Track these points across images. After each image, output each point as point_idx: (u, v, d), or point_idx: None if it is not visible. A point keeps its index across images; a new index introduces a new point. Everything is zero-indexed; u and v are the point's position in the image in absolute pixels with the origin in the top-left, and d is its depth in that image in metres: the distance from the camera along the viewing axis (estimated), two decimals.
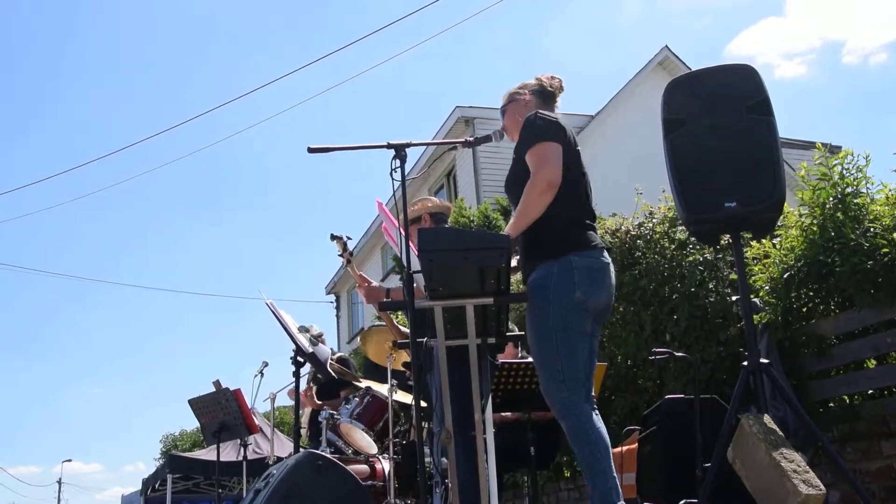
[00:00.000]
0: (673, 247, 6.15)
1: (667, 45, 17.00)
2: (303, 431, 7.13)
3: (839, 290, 4.61)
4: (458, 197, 16.13)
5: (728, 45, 38.65)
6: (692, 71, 3.75)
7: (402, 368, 5.04)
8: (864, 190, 4.56)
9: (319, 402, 6.50)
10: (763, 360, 3.30)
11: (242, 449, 7.11)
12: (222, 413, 6.57)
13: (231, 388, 6.53)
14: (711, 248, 5.67)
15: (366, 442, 5.20)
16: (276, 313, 4.50)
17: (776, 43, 38.39)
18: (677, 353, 4.59)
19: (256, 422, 7.24)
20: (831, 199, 4.60)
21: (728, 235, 3.52)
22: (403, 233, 2.95)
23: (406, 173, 3.00)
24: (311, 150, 2.90)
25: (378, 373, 5.99)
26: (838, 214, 4.51)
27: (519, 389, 4.59)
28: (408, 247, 2.95)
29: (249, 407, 6.60)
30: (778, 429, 3.10)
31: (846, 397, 4.92)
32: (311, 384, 6.59)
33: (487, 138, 3.41)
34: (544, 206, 3.03)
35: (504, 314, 3.19)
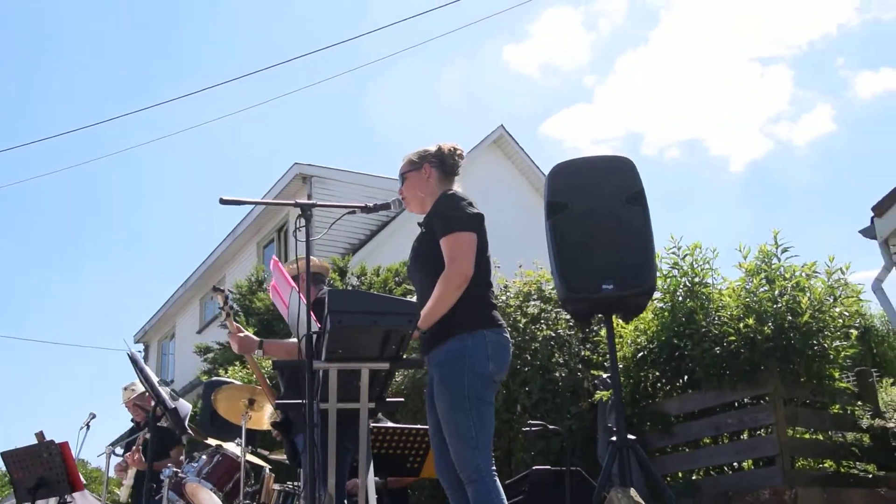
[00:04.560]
0: (526, 320, 6.38)
1: (502, 125, 17.43)
2: (125, 491, 6.73)
3: (688, 372, 4.94)
4: (288, 255, 15.70)
5: (542, 126, 40.53)
6: (576, 158, 3.98)
7: (270, 427, 4.89)
8: (709, 280, 4.97)
9: (146, 463, 6.15)
10: (630, 437, 3.49)
11: None
12: (42, 468, 6.06)
13: (57, 441, 6.07)
14: (564, 325, 5.93)
15: (214, 503, 4.98)
16: (139, 365, 4.28)
17: (587, 128, 40.96)
18: (551, 427, 4.76)
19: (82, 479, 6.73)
20: (682, 286, 4.97)
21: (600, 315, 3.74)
22: (304, 298, 2.93)
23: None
24: (223, 202, 2.85)
25: (217, 430, 5.77)
26: (688, 302, 4.88)
27: (383, 455, 4.60)
28: (309, 305, 2.92)
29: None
30: (644, 502, 3.27)
31: (682, 473, 5.24)
32: (139, 446, 6.25)
33: (386, 206, 3.46)
34: (457, 297, 3.15)
35: (389, 380, 3.22)
